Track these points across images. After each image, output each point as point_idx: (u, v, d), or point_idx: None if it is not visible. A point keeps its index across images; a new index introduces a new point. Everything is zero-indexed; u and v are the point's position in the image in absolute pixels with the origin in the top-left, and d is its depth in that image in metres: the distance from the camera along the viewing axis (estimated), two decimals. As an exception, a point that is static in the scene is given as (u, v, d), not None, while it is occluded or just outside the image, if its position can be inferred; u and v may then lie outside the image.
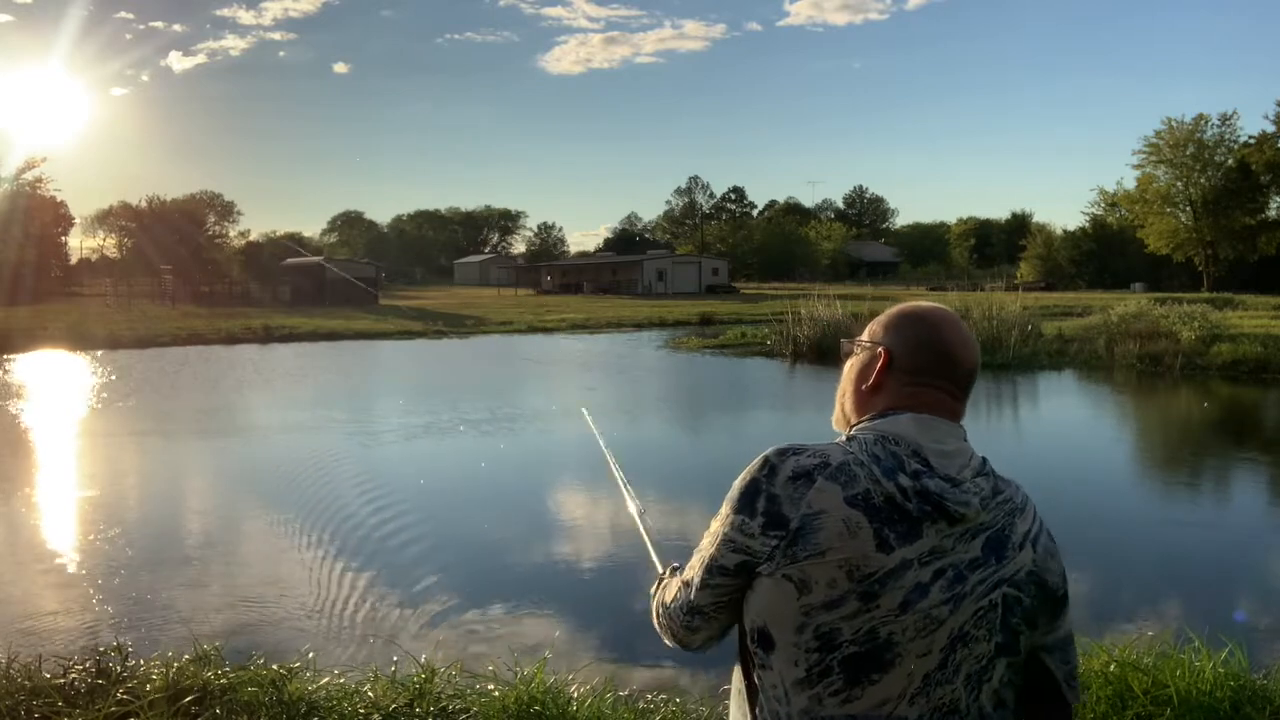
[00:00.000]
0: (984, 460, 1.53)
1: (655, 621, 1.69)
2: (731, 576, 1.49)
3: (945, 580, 1.43)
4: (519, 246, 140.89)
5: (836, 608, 1.41)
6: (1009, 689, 1.54)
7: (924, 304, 1.63)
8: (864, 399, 1.58)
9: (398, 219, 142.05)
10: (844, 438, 1.54)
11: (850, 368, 1.63)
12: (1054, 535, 1.57)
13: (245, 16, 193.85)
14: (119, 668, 4.43)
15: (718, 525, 1.52)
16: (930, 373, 1.54)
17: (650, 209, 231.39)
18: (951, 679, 1.46)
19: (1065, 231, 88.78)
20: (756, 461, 1.50)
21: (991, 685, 1.50)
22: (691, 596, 1.55)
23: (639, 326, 41.94)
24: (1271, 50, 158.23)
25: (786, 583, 1.42)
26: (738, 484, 1.50)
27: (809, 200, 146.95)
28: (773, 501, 1.44)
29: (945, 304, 1.62)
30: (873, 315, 1.65)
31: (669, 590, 1.65)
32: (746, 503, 1.47)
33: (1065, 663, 1.59)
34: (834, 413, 1.65)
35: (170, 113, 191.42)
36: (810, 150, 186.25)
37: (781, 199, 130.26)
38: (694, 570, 1.56)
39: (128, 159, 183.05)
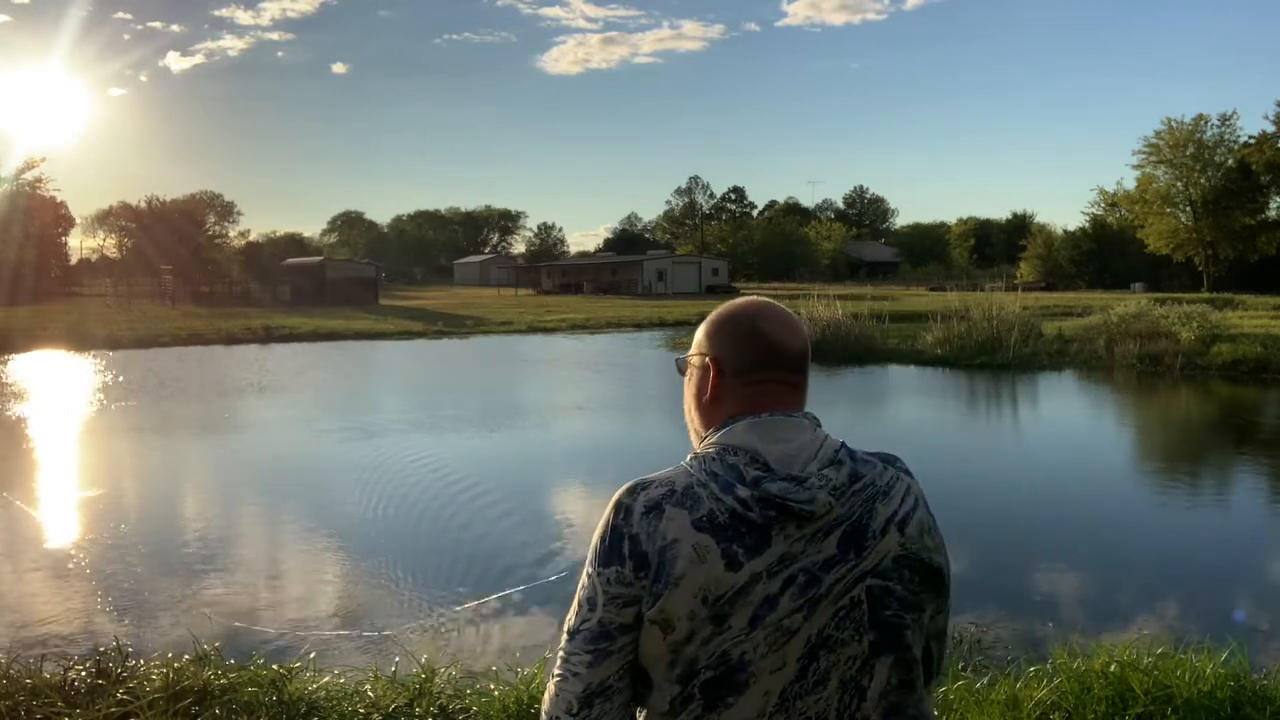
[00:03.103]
0: (840, 446, 1.46)
1: None
2: (633, 631, 1.41)
3: (796, 587, 1.37)
4: (519, 246, 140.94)
5: (695, 637, 1.37)
6: (905, 694, 1.45)
7: (741, 300, 1.58)
8: (706, 412, 1.53)
9: (398, 219, 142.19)
10: (689, 457, 1.49)
11: (688, 384, 1.58)
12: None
13: (243, 17, 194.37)
14: (119, 668, 4.44)
15: (585, 593, 1.43)
16: (761, 367, 1.49)
17: (650, 209, 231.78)
18: (815, 689, 1.39)
19: (1065, 231, 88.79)
20: (609, 508, 1.44)
21: (874, 691, 1.42)
22: (586, 682, 1.41)
23: (639, 327, 41.90)
24: (1271, 50, 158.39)
25: (653, 626, 1.38)
26: (598, 538, 1.43)
27: (809, 200, 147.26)
28: (634, 542, 1.39)
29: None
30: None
31: (545, 703, 1.49)
32: (614, 553, 1.40)
33: (941, 652, 1.55)
34: (690, 435, 1.59)
35: (169, 113, 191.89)
36: (810, 150, 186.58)
37: (781, 199, 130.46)
38: (578, 651, 1.43)
39: (127, 159, 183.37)
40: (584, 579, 1.45)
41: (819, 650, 1.39)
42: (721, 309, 1.58)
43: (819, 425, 1.49)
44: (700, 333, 1.58)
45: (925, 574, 1.47)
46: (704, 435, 1.52)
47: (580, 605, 1.44)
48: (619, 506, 1.43)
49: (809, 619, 1.38)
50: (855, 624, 1.40)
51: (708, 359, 1.53)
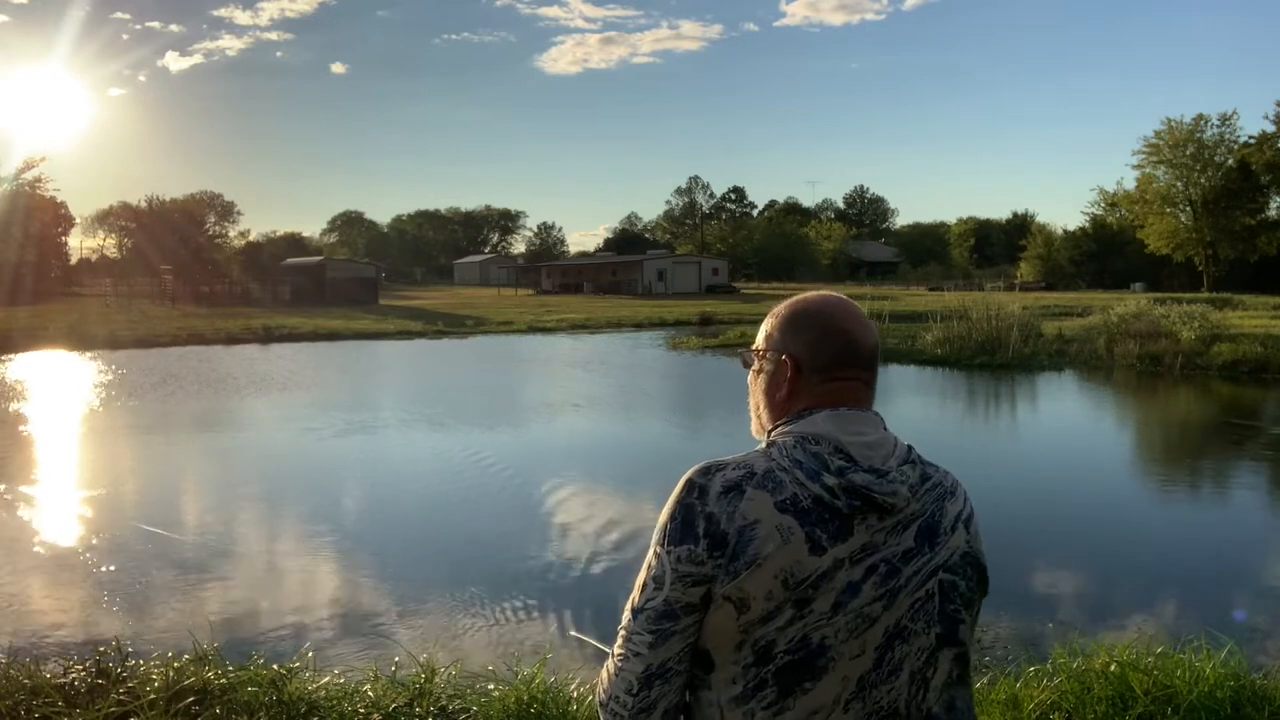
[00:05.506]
0: (910, 448, 1.50)
1: None
2: (698, 612, 1.41)
3: (878, 576, 1.40)
4: (519, 246, 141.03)
5: (773, 620, 1.38)
6: (959, 689, 1.49)
7: (812, 295, 1.59)
8: (780, 408, 1.53)
9: (398, 219, 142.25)
10: (763, 444, 1.50)
11: (757, 380, 1.58)
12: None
13: (241, 17, 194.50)
14: (119, 668, 4.43)
15: (652, 572, 1.42)
16: (837, 365, 1.51)
17: (650, 209, 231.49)
18: (889, 679, 1.42)
19: (1065, 231, 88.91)
20: (680, 487, 1.44)
21: (938, 683, 1.46)
22: (648, 663, 1.42)
23: (639, 327, 41.92)
24: (1271, 50, 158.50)
25: (727, 604, 1.38)
26: (668, 516, 1.43)
27: (809, 200, 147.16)
28: (711, 521, 1.39)
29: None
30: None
31: (603, 682, 1.48)
32: (687, 531, 1.40)
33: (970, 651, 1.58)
34: (751, 424, 1.60)
35: (169, 113, 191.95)
36: (810, 150, 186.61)
37: (781, 199, 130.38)
38: (641, 631, 1.42)
39: (127, 159, 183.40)
40: (650, 558, 1.44)
41: (895, 640, 1.42)
42: (794, 305, 1.58)
43: (886, 426, 1.52)
44: (771, 327, 1.58)
45: (980, 573, 1.54)
46: (771, 427, 1.53)
47: (646, 584, 1.43)
48: (691, 485, 1.43)
49: (888, 608, 1.41)
50: (927, 617, 1.45)
51: (784, 356, 1.53)
